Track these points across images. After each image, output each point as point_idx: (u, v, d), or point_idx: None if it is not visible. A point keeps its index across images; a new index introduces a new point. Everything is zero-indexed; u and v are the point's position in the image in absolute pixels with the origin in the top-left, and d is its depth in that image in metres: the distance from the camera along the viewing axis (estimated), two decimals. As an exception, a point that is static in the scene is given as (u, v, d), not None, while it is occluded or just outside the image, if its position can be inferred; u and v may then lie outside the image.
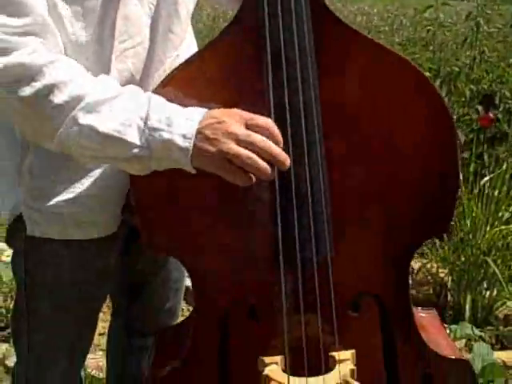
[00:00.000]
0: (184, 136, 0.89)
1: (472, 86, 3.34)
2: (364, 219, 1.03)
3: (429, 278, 2.64)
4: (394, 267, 1.06)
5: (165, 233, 1.04)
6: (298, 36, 0.94)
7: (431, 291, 2.59)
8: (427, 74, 3.80)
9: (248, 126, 0.90)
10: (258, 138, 0.89)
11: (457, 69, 3.55)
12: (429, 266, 2.67)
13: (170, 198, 1.01)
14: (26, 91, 0.90)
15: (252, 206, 1.00)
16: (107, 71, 1.02)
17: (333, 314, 1.01)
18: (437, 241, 2.69)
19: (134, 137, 0.90)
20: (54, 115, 0.91)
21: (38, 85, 0.90)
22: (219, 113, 0.91)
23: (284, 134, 0.92)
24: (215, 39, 1.00)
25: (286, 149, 0.91)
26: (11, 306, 2.12)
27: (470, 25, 3.58)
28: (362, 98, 0.99)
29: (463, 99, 3.40)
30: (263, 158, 0.89)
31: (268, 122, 0.91)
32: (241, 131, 0.89)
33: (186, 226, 1.02)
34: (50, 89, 0.90)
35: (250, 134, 0.89)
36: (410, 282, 2.65)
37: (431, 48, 3.87)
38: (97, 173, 1.08)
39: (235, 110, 0.92)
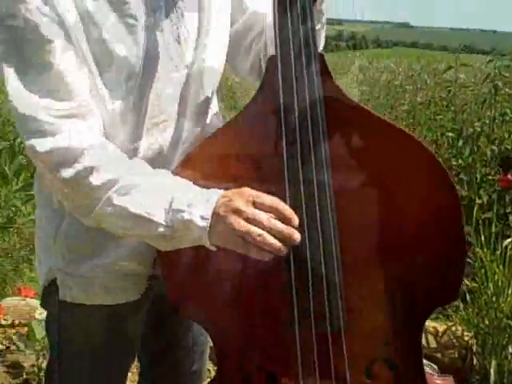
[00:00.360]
0: (202, 217, 0.97)
1: (493, 147, 3.39)
2: (375, 291, 1.09)
3: (454, 341, 2.63)
4: (406, 334, 1.12)
5: (189, 300, 1.12)
6: (313, 124, 1.03)
7: (456, 355, 2.58)
8: (450, 134, 3.88)
9: (255, 204, 0.98)
10: (262, 217, 0.96)
11: (478, 129, 3.61)
12: (454, 328, 2.66)
13: (194, 269, 1.09)
14: (68, 172, 1.00)
15: (270, 277, 1.06)
16: (138, 144, 1.12)
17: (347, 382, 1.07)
18: (461, 303, 2.70)
19: (160, 217, 1.00)
20: (91, 195, 1.01)
21: (79, 167, 1.00)
22: (230, 192, 1.00)
23: (298, 212, 1.00)
24: (234, 118, 1.10)
25: (300, 225, 0.98)
26: (43, 364, 2.21)
27: (488, 86, 3.65)
28: (367, 171, 1.07)
29: (485, 159, 3.45)
30: (274, 235, 0.96)
31: (274, 201, 0.98)
32: (248, 209, 0.96)
33: (209, 294, 1.10)
34: (89, 171, 1.00)
35: (256, 213, 0.96)
36: (435, 345, 2.66)
37: (453, 108, 3.95)
38: (125, 242, 1.17)
39: (245, 189, 0.99)
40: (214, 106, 1.30)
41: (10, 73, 1.00)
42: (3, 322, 2.67)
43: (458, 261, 1.09)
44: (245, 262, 1.03)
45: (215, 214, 0.97)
